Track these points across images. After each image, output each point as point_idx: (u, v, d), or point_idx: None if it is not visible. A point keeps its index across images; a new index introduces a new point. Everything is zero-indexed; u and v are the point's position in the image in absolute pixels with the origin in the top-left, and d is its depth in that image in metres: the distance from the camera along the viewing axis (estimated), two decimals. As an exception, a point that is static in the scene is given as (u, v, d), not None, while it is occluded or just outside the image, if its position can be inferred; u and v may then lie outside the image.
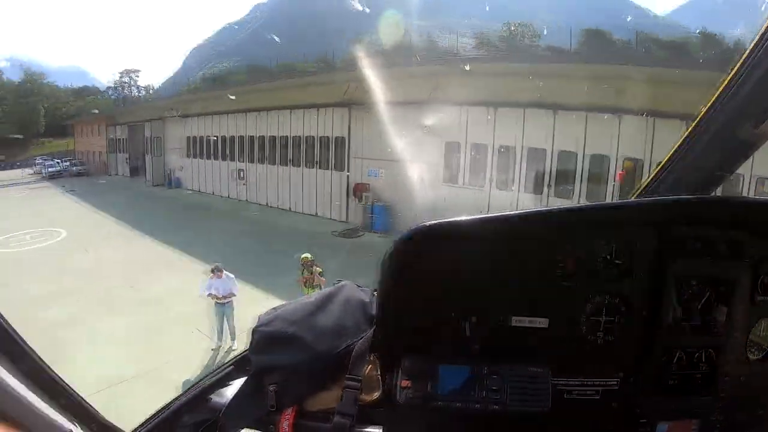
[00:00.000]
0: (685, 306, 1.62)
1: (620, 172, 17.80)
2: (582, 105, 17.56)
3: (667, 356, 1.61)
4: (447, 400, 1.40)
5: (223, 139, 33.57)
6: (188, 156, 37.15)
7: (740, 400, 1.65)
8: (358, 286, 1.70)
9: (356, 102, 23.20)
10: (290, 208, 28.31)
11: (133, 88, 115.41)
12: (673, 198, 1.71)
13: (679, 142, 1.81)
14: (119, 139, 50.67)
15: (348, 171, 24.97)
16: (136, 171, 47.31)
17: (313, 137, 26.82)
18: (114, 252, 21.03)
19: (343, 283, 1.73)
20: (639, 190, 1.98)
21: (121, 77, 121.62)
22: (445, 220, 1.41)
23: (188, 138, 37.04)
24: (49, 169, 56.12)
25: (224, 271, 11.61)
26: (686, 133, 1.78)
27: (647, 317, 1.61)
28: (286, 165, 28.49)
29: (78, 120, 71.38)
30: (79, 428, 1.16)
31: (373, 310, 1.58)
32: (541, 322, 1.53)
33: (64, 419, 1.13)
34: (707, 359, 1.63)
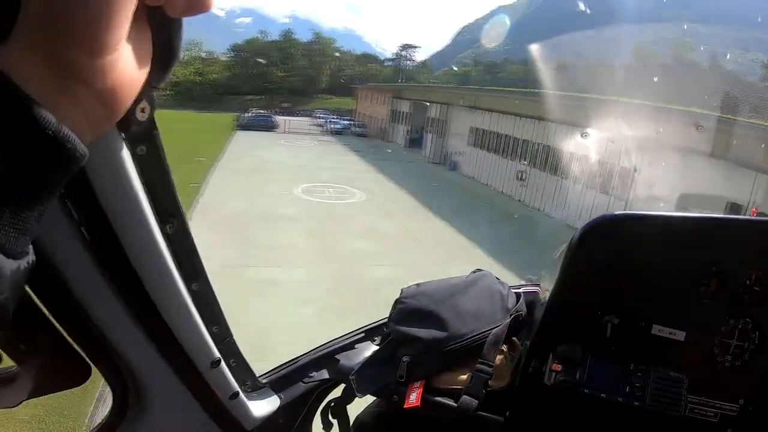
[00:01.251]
0: None
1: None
2: None
3: None
4: (594, 389, 1.45)
5: (507, 137, 34.03)
6: (469, 144, 38.36)
7: None
8: (497, 279, 1.75)
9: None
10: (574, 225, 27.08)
11: (408, 62, 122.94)
12: None
13: None
14: (402, 112, 53.80)
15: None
16: (413, 143, 50.11)
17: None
18: (416, 225, 21.73)
19: (483, 272, 1.79)
20: None
21: (400, 51, 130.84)
22: (632, 212, 1.47)
23: (472, 128, 38.22)
24: (334, 125, 62.07)
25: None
26: None
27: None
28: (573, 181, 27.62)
29: (363, 86, 77.87)
30: (223, 360, 1.23)
31: (509, 303, 1.64)
32: (679, 335, 1.55)
33: (214, 348, 1.19)
34: None
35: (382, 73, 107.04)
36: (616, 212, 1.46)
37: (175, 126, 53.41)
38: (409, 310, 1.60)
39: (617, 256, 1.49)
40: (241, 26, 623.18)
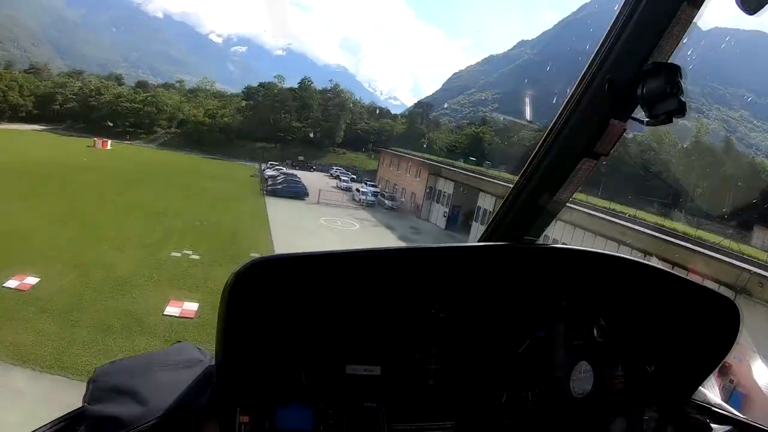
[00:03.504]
0: (506, 352, 1.84)
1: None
2: None
3: (495, 398, 1.80)
4: None
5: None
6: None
7: None
8: (198, 347, 1.73)
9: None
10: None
11: (421, 117, 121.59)
12: (492, 243, 1.89)
13: (502, 202, 1.91)
14: (442, 192, 52.91)
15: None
16: (450, 222, 49.79)
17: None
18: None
19: (182, 343, 1.77)
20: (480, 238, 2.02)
21: (414, 108, 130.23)
22: (285, 254, 1.51)
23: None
24: (364, 196, 58.58)
25: None
26: (506, 195, 1.88)
27: (473, 364, 1.78)
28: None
29: (389, 151, 76.20)
30: None
31: (212, 370, 1.61)
32: (375, 370, 1.66)
33: None
34: (534, 399, 1.83)
35: (395, 129, 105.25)
36: (267, 255, 1.51)
37: (204, 185, 50.94)
38: (105, 388, 1.52)
39: (278, 301, 1.56)
40: (236, 55, 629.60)
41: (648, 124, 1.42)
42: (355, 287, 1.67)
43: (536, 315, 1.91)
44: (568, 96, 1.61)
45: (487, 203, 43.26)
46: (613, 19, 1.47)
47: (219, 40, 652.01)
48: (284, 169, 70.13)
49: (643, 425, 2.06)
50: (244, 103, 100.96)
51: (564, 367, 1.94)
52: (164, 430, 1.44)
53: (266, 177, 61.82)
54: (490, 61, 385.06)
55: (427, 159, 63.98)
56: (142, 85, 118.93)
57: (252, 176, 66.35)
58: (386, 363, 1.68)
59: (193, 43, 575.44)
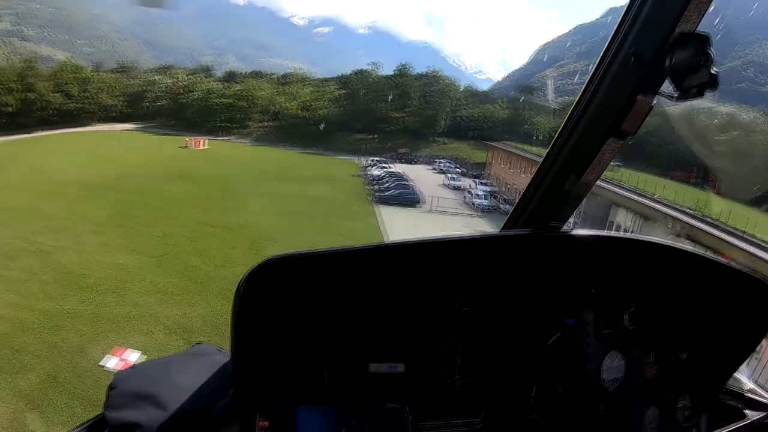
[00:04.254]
0: (535, 344, 1.81)
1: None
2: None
3: (524, 392, 1.78)
4: None
5: None
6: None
7: (603, 428, 1.85)
8: (218, 348, 1.73)
9: None
10: None
11: (524, 102, 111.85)
12: (515, 232, 1.87)
13: (525, 189, 1.86)
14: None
15: None
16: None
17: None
18: None
19: (201, 345, 1.77)
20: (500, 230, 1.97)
21: (516, 93, 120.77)
22: (299, 251, 1.48)
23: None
24: (479, 200, 50.46)
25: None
26: (529, 182, 1.84)
27: (501, 358, 1.77)
28: None
29: (494, 145, 69.53)
30: None
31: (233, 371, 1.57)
32: (398, 368, 1.65)
33: None
34: (565, 391, 1.81)
35: (496, 116, 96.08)
36: (280, 254, 1.46)
37: (310, 191, 45.28)
38: (124, 394, 1.53)
39: (295, 300, 1.55)
40: (320, 36, 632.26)
41: (678, 99, 1.36)
42: (374, 282, 1.65)
43: (565, 304, 1.87)
44: (591, 72, 1.56)
45: (621, 218, 36.26)
46: None
47: (302, 23, 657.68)
48: (389, 167, 63.36)
49: (677, 414, 2.03)
50: (338, 92, 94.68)
51: (595, 357, 1.89)
52: None
53: (371, 178, 55.96)
54: (579, 30, 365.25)
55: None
56: (231, 75, 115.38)
57: (355, 176, 60.56)
58: (410, 360, 1.66)
59: (276, 27, 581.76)
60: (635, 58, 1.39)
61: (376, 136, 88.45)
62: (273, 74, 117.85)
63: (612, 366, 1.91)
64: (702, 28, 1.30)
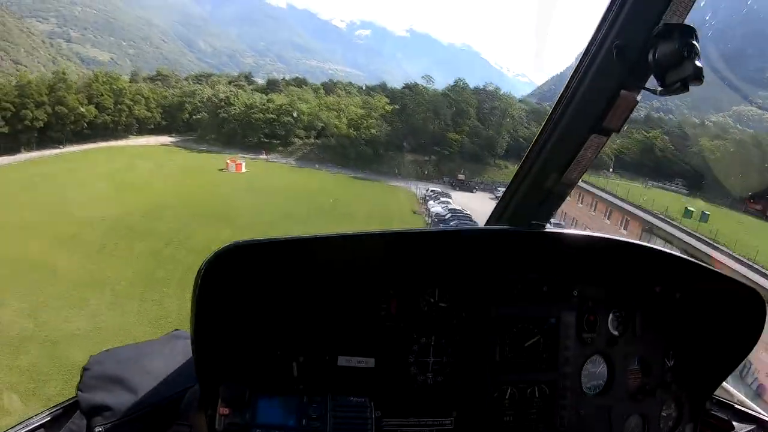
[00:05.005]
0: (511, 345, 1.80)
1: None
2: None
3: (499, 393, 1.77)
4: (266, 427, 1.49)
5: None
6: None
7: None
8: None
9: None
10: None
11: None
12: (498, 228, 1.83)
13: (507, 186, 1.85)
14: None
15: None
16: None
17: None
18: None
19: (178, 331, 1.79)
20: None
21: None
22: (261, 239, 1.50)
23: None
24: None
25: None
26: (511, 179, 1.82)
27: (476, 357, 1.77)
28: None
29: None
30: None
31: None
32: (368, 362, 1.66)
33: None
34: (541, 395, 1.81)
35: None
36: (243, 240, 1.46)
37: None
38: (96, 377, 1.56)
39: (259, 287, 1.55)
40: (360, 38, 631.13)
41: (661, 93, 1.32)
42: (345, 272, 1.64)
43: (545, 304, 1.84)
44: (574, 67, 1.53)
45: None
46: None
47: (342, 25, 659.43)
48: (450, 202, 55.53)
49: (660, 423, 1.99)
50: (388, 107, 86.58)
51: (575, 361, 1.86)
52: (153, 420, 1.49)
53: (433, 216, 48.95)
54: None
55: (636, 207, 47.08)
56: (273, 84, 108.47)
57: (415, 213, 53.46)
58: (381, 355, 1.66)
59: (316, 29, 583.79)
60: (618, 51, 1.36)
61: (430, 157, 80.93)
62: (317, 86, 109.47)
63: (593, 371, 1.87)
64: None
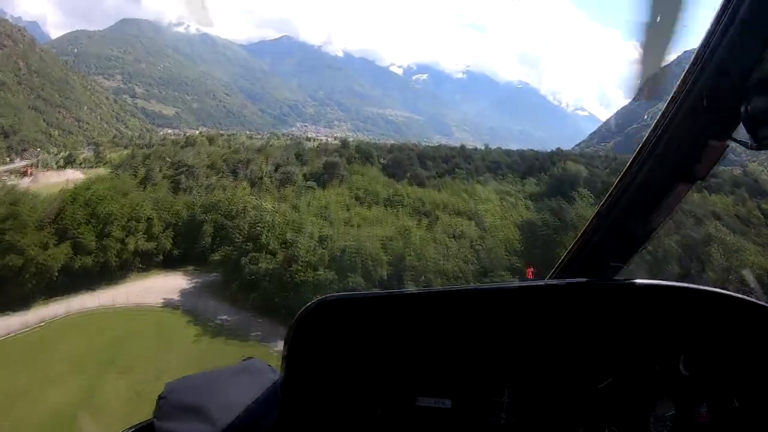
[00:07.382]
0: (586, 387, 1.76)
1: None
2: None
3: None
4: None
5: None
6: None
7: None
8: (268, 365, 1.68)
9: None
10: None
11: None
12: (575, 280, 1.80)
13: (581, 232, 1.80)
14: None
15: None
16: None
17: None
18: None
19: (252, 360, 1.74)
20: (550, 274, 1.93)
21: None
22: (353, 293, 1.57)
23: None
24: None
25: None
26: (587, 224, 1.78)
27: (550, 399, 1.74)
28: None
29: None
30: None
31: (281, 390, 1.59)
32: (445, 403, 1.64)
33: None
34: None
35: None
36: (337, 294, 1.52)
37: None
38: (173, 405, 1.52)
39: (348, 337, 1.58)
40: (418, 83, 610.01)
41: (752, 147, 1.24)
42: (425, 324, 1.65)
43: (618, 350, 1.80)
44: (661, 112, 1.47)
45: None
46: (713, 21, 1.27)
47: (399, 71, 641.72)
48: None
49: None
50: (527, 202, 56.90)
51: (645, 404, 1.82)
52: None
53: None
54: (687, 57, 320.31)
55: None
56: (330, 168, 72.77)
57: None
58: (457, 396, 1.65)
59: (375, 76, 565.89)
60: (708, 100, 1.31)
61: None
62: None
63: (663, 413, 1.81)
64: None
